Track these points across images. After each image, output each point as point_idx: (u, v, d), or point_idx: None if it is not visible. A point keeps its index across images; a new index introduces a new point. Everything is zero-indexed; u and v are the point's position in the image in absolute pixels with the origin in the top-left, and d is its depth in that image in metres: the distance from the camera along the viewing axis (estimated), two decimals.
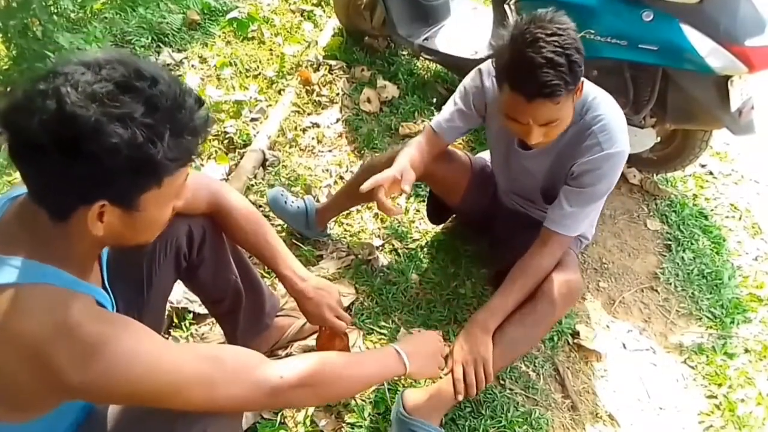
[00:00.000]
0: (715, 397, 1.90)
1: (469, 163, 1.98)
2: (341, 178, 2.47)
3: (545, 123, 1.45)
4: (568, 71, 1.34)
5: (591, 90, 1.59)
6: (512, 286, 1.61)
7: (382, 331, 1.86)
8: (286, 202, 2.12)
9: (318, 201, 2.17)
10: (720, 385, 1.93)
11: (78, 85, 0.78)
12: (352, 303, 1.96)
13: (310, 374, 1.04)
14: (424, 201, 2.27)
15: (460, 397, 1.51)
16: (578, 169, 1.57)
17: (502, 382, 1.77)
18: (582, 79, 1.42)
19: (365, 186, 1.60)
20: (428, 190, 2.15)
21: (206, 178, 1.40)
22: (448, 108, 1.80)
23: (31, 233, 0.87)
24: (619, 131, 1.54)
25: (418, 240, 2.23)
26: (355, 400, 1.64)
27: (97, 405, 1.05)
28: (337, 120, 2.77)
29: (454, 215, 2.23)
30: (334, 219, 2.22)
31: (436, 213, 2.16)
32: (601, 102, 1.57)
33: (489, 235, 2.09)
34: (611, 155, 1.52)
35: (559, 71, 1.33)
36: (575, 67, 1.36)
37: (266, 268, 1.97)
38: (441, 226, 2.28)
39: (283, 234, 2.17)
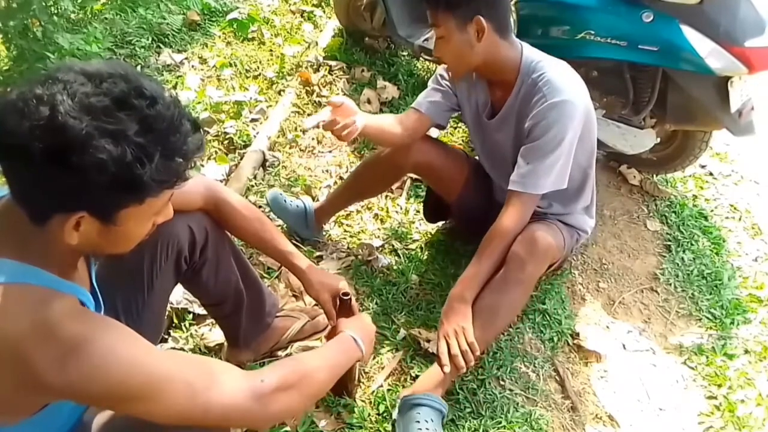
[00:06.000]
0: (715, 398, 1.90)
1: (465, 157, 2.01)
2: (341, 178, 2.47)
3: (434, 25, 1.63)
4: None
5: (537, 56, 1.68)
6: (482, 253, 1.65)
7: (383, 331, 1.86)
8: (285, 201, 2.13)
9: (317, 200, 2.18)
10: (720, 385, 1.93)
11: (75, 95, 0.77)
12: None
13: (288, 374, 1.04)
14: (423, 201, 2.27)
15: (447, 369, 1.52)
16: (529, 124, 1.64)
17: (502, 382, 1.77)
18: (479, 28, 1.58)
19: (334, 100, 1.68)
20: (426, 187, 2.15)
21: (198, 176, 1.40)
22: (425, 91, 1.93)
23: (11, 233, 0.86)
24: (563, 83, 1.61)
25: (418, 241, 2.23)
26: (355, 400, 1.64)
27: (85, 416, 1.04)
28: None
29: (450, 219, 2.23)
30: (333, 219, 2.23)
31: (432, 211, 2.17)
32: (546, 63, 1.65)
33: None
34: (555, 104, 1.58)
35: None
36: None
37: (266, 269, 2.00)
38: (441, 226, 2.28)
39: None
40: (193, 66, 2.99)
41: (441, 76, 1.87)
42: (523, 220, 1.66)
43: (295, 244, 2.12)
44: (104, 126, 0.77)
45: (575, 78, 1.67)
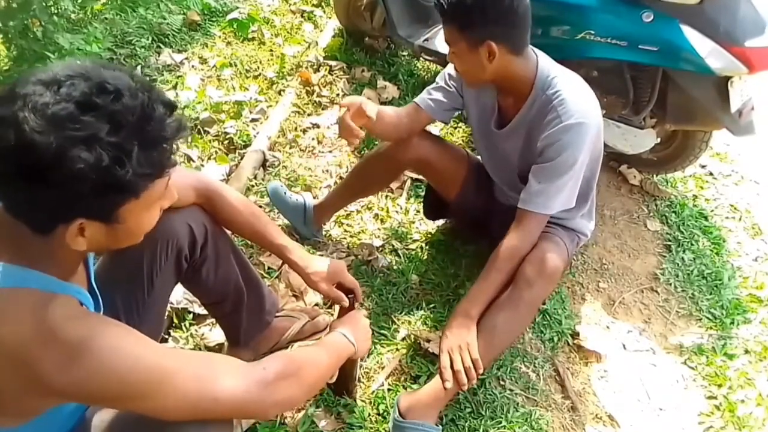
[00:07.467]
0: (715, 398, 1.90)
1: (466, 155, 2.00)
2: (341, 178, 2.47)
3: (448, 41, 1.60)
4: (457, 7, 1.51)
5: (552, 69, 1.64)
6: (490, 270, 1.63)
7: (382, 331, 1.86)
8: (285, 193, 2.14)
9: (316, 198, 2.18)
10: (720, 385, 1.93)
11: (36, 108, 0.74)
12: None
13: (288, 363, 1.06)
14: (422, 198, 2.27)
15: (449, 385, 1.50)
16: (542, 144, 1.62)
17: (502, 382, 1.77)
18: (490, 45, 1.53)
19: (345, 101, 1.82)
20: (425, 184, 2.15)
21: (189, 170, 1.40)
22: (430, 87, 1.90)
23: (11, 238, 0.85)
24: (578, 104, 1.58)
25: (418, 241, 2.23)
26: (355, 400, 1.64)
27: (87, 415, 1.04)
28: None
29: (450, 218, 2.23)
30: (333, 219, 2.23)
31: (432, 209, 2.16)
32: (561, 79, 1.62)
33: (488, 236, 2.09)
34: (570, 126, 1.56)
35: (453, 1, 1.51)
36: (466, 10, 1.50)
37: (266, 269, 2.00)
38: (441, 226, 2.28)
39: None
40: (193, 66, 2.99)
41: (449, 75, 1.85)
42: (533, 239, 1.64)
43: None
44: (73, 134, 0.75)
45: (589, 95, 1.64)
